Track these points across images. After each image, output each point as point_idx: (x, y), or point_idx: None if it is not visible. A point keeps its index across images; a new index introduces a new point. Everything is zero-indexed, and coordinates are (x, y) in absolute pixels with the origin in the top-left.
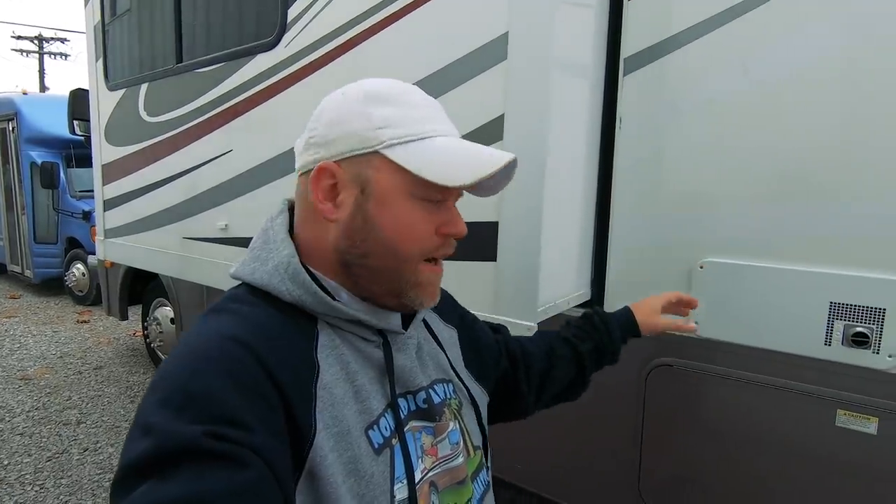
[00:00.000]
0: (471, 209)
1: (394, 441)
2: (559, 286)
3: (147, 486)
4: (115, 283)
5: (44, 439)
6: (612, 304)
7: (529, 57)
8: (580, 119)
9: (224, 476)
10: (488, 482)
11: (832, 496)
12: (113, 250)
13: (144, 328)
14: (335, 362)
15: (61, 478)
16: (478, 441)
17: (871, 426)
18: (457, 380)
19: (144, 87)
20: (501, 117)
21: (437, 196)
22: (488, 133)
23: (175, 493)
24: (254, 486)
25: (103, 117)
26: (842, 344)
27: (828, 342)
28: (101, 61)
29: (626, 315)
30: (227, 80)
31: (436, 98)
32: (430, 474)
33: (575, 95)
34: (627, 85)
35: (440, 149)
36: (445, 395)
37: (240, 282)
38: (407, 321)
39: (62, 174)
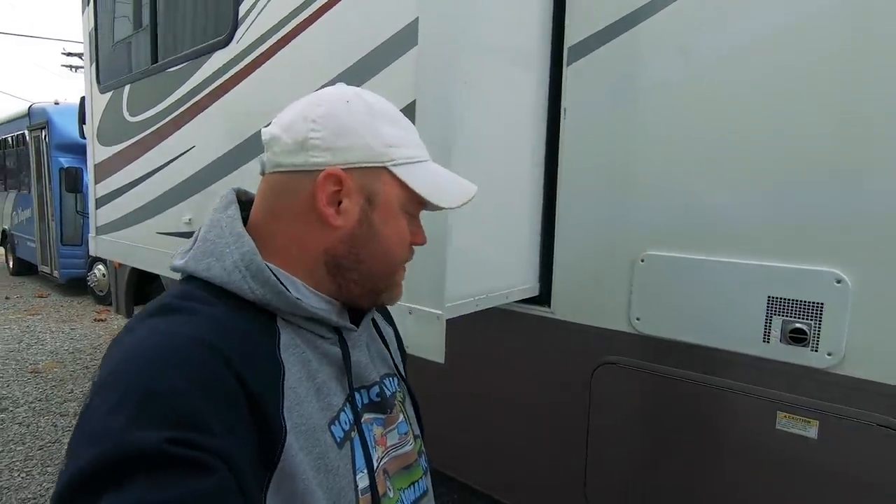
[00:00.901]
0: None
1: (353, 434)
2: (495, 278)
3: (107, 498)
4: (123, 282)
5: (40, 429)
6: (558, 300)
7: (438, 42)
8: (520, 109)
9: (188, 484)
10: (426, 466)
11: (774, 501)
12: (102, 246)
13: None
14: (297, 361)
15: (48, 465)
16: (417, 430)
17: (811, 430)
18: (399, 374)
19: (127, 88)
20: (413, 103)
21: (418, 210)
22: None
23: (132, 502)
24: (217, 494)
25: (96, 119)
26: (780, 341)
27: (766, 339)
28: (94, 65)
29: None
30: (191, 79)
31: (360, 85)
32: (382, 462)
33: (510, 84)
34: (571, 75)
35: (433, 173)
36: (393, 388)
37: (183, 275)
38: (355, 319)
39: (86, 178)
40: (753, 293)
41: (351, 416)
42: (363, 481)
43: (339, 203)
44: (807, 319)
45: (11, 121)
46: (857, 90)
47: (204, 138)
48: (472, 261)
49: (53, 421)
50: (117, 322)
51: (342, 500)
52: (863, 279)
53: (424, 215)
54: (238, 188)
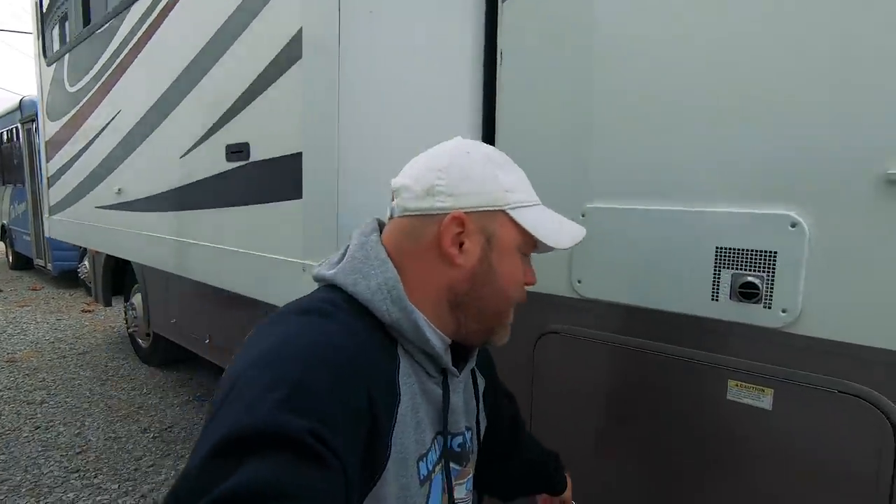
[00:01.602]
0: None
1: (433, 475)
2: None
3: (250, 465)
4: (99, 267)
5: (2, 417)
6: None
7: None
8: (448, 50)
9: (314, 475)
10: None
11: (726, 476)
12: (55, 227)
13: (124, 312)
14: (408, 390)
15: (2, 454)
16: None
17: (765, 399)
18: (476, 430)
19: (67, 56)
20: (300, 32)
21: (530, 251)
22: (287, 54)
23: (274, 477)
24: (335, 490)
25: (45, 94)
26: (730, 298)
27: (715, 297)
28: (40, 39)
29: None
30: (114, 37)
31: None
32: None
33: (434, 20)
34: (507, 13)
35: (545, 216)
36: (473, 442)
37: (322, 282)
38: (457, 363)
39: None
40: (701, 244)
41: (436, 457)
42: None
43: (462, 244)
44: (759, 272)
45: (5, 115)
46: (803, 26)
47: (128, 101)
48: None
49: (17, 409)
50: (105, 314)
51: None
52: (820, 222)
53: (316, 160)
54: (378, 218)
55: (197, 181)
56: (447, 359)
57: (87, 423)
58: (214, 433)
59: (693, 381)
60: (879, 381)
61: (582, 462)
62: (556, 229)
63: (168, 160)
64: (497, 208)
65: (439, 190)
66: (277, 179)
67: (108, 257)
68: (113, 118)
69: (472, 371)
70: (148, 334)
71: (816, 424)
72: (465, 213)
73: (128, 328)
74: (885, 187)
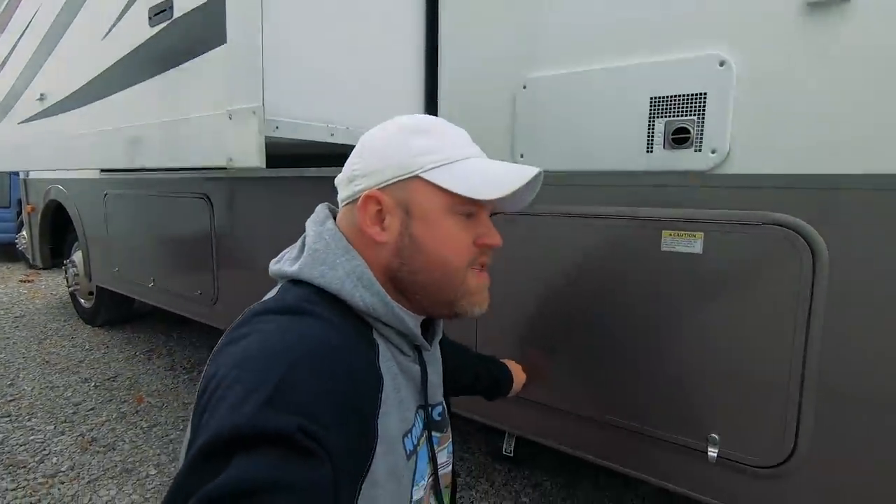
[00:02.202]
0: None
1: (419, 448)
2: (354, 110)
3: (238, 462)
4: (36, 227)
5: None
6: None
7: None
8: None
9: (303, 470)
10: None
11: (662, 324)
12: None
13: (64, 272)
14: (389, 372)
15: None
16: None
17: (696, 244)
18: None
19: None
20: None
21: (471, 209)
22: None
23: (262, 473)
24: (325, 484)
25: None
26: (664, 147)
27: (650, 148)
28: None
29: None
30: None
31: None
32: (430, 479)
33: None
34: None
35: (471, 169)
36: (449, 410)
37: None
38: (427, 338)
39: None
40: (637, 97)
41: (420, 430)
42: (417, 493)
43: (384, 222)
44: (690, 115)
45: None
46: None
47: None
48: (318, 80)
49: None
50: (44, 283)
51: None
52: (747, 58)
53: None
54: (327, 204)
55: (119, 59)
56: (420, 335)
57: (21, 376)
58: (200, 438)
59: (630, 237)
60: (799, 206)
61: (534, 332)
62: (485, 179)
63: (90, 47)
64: (409, 175)
65: (355, 174)
66: (200, 30)
67: (44, 216)
68: (34, 15)
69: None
70: (91, 293)
71: (743, 258)
72: (380, 189)
73: (68, 287)
74: (807, 11)
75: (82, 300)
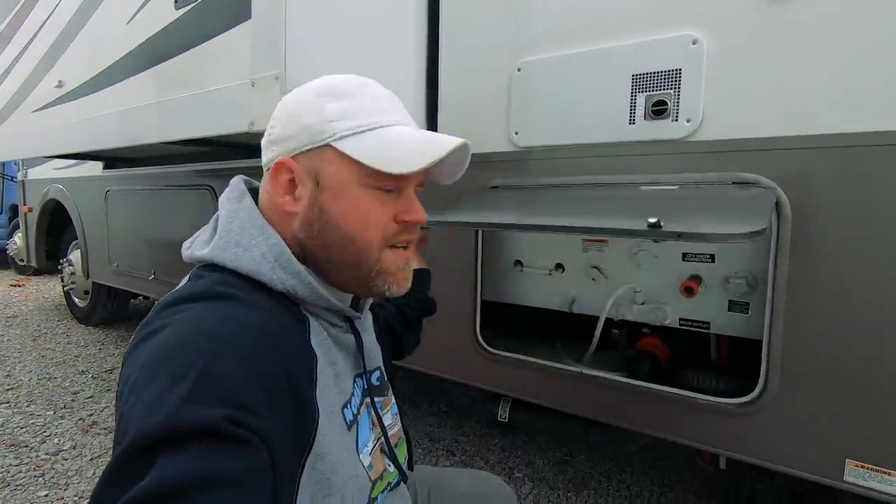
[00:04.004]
0: None
1: (359, 416)
2: None
3: (162, 460)
4: (33, 226)
5: None
6: (445, 119)
7: None
8: None
9: (235, 460)
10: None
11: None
12: None
13: (60, 271)
14: (322, 346)
15: None
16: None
17: None
18: (384, 362)
19: None
20: None
21: (390, 184)
22: None
23: (189, 470)
24: (260, 472)
25: None
26: (644, 119)
27: (632, 120)
28: None
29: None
30: None
31: None
32: (380, 441)
33: None
34: None
35: (389, 138)
36: (388, 371)
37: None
38: (356, 305)
39: None
40: (620, 75)
41: (360, 399)
42: (366, 459)
43: (296, 191)
44: (667, 89)
45: None
46: None
47: None
48: (328, 60)
49: None
50: (35, 287)
51: (356, 478)
52: (716, 36)
53: None
54: (244, 177)
55: (143, 42)
56: (349, 307)
57: (17, 368)
58: (118, 445)
59: (612, 208)
60: (765, 166)
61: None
62: (401, 150)
63: (113, 33)
64: (321, 143)
65: (270, 139)
66: (225, 8)
67: (42, 216)
68: (56, 6)
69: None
70: (86, 291)
71: None
72: (294, 157)
73: (64, 287)
74: None
75: (77, 299)
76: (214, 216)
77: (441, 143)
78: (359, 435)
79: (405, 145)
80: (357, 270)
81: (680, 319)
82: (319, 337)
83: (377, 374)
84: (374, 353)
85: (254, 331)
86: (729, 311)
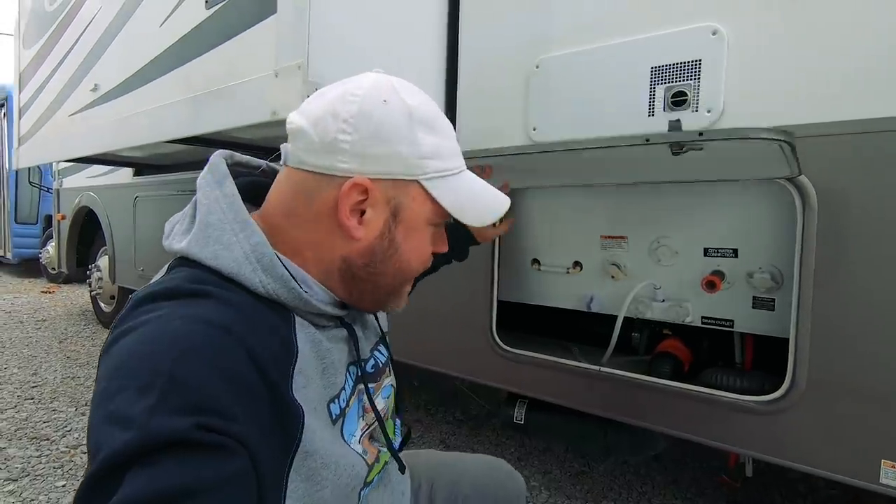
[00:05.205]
0: None
1: (347, 410)
2: None
3: (133, 475)
4: (65, 232)
5: None
6: (463, 114)
7: None
8: None
9: (213, 466)
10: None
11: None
12: (24, 155)
13: (88, 277)
14: (308, 341)
15: None
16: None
17: None
18: (383, 336)
19: None
20: None
21: (443, 221)
22: None
23: (166, 483)
24: (240, 475)
25: (23, 22)
26: (664, 110)
27: (651, 112)
28: None
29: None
30: None
31: None
32: (371, 428)
33: None
34: None
35: (467, 188)
36: (384, 355)
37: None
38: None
39: None
40: (638, 68)
41: (350, 391)
42: (357, 447)
43: (363, 213)
44: (687, 80)
45: None
46: None
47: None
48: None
49: None
50: (64, 294)
51: (351, 466)
52: (736, 28)
53: None
54: (224, 152)
55: (175, 42)
56: (340, 311)
57: (43, 367)
58: (90, 464)
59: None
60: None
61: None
62: (475, 203)
63: (146, 35)
64: (412, 178)
65: (343, 147)
66: (253, 5)
67: (74, 223)
68: (92, 19)
69: None
70: (112, 297)
71: None
72: (371, 179)
73: (91, 292)
74: None
75: (103, 304)
76: (193, 200)
77: (501, 201)
78: (344, 426)
79: (478, 196)
80: (390, 294)
81: (702, 317)
82: (307, 330)
83: (371, 361)
84: (370, 338)
85: (221, 330)
86: (753, 307)
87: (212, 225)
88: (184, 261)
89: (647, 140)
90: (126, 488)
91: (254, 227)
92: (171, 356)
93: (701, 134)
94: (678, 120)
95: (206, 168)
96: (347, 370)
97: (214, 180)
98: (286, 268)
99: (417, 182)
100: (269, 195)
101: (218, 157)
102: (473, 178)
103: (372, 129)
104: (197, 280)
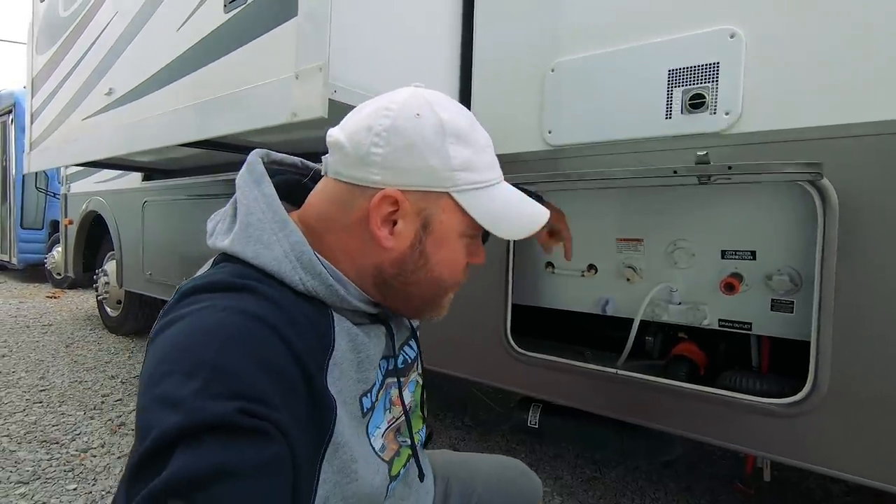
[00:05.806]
0: None
1: (376, 404)
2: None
3: (180, 453)
4: (73, 237)
5: None
6: (476, 118)
7: None
8: None
9: (254, 449)
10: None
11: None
12: (35, 159)
13: (94, 282)
14: (346, 335)
15: None
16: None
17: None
18: (413, 331)
19: None
20: None
21: (478, 233)
22: None
23: (209, 461)
24: (279, 460)
25: (36, 29)
26: (681, 113)
27: (668, 115)
28: None
29: None
30: None
31: None
32: (395, 422)
33: None
34: None
35: (502, 201)
36: (414, 350)
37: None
38: None
39: None
40: (656, 71)
41: (380, 384)
42: (376, 442)
43: (395, 223)
44: (705, 83)
45: None
46: None
47: (125, 6)
48: (370, 56)
49: None
50: (69, 300)
51: (372, 463)
52: (754, 30)
53: None
54: (260, 151)
55: (192, 45)
56: (374, 309)
57: (51, 371)
58: (139, 444)
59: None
60: (809, 154)
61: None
62: (510, 216)
63: (163, 40)
64: (442, 190)
65: (374, 160)
66: (273, 8)
67: (82, 228)
68: (107, 24)
69: None
70: (119, 301)
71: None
72: (402, 190)
73: (97, 296)
74: None
75: (109, 309)
76: (233, 199)
77: (539, 214)
78: (370, 423)
79: (513, 210)
80: (426, 305)
81: (719, 320)
82: (344, 324)
83: (402, 357)
84: (404, 333)
85: (262, 323)
86: (772, 310)
87: (252, 224)
88: (227, 257)
89: (675, 172)
90: (172, 466)
91: (292, 226)
92: (214, 347)
93: (730, 168)
94: (706, 153)
95: (244, 167)
96: (380, 364)
97: (252, 180)
98: (324, 266)
99: (448, 194)
100: (310, 199)
101: (255, 157)
102: (510, 191)
103: (403, 142)
104: (240, 275)
